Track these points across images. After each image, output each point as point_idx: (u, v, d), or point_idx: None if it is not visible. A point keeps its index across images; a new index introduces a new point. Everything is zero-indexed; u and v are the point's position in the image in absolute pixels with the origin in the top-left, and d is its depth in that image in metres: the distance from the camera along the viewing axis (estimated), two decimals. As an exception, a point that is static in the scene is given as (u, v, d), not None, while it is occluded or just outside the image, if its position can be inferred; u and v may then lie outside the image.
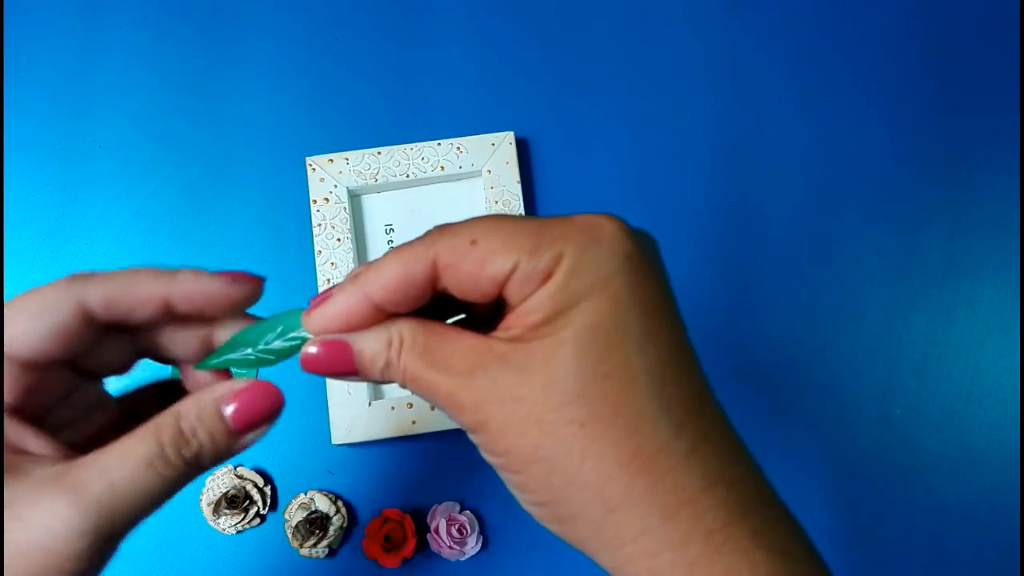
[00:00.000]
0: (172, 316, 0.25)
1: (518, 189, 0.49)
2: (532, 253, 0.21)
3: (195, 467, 0.24)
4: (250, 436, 0.24)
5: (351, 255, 0.48)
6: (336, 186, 0.49)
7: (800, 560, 0.22)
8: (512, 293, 0.22)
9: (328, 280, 0.48)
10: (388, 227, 0.50)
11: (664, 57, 0.53)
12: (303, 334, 0.24)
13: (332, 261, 0.48)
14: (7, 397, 0.22)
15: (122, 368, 0.26)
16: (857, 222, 0.51)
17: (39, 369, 0.23)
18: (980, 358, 0.50)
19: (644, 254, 0.22)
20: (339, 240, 0.48)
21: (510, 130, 0.50)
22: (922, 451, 0.49)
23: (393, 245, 0.50)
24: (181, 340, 0.25)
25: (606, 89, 0.53)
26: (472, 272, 0.22)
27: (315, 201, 0.49)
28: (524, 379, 0.21)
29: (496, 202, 0.49)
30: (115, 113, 0.52)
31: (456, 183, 0.51)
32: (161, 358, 0.26)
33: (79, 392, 0.25)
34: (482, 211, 0.50)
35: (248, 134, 0.51)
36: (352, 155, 0.49)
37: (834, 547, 0.48)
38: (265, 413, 0.24)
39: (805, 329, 0.50)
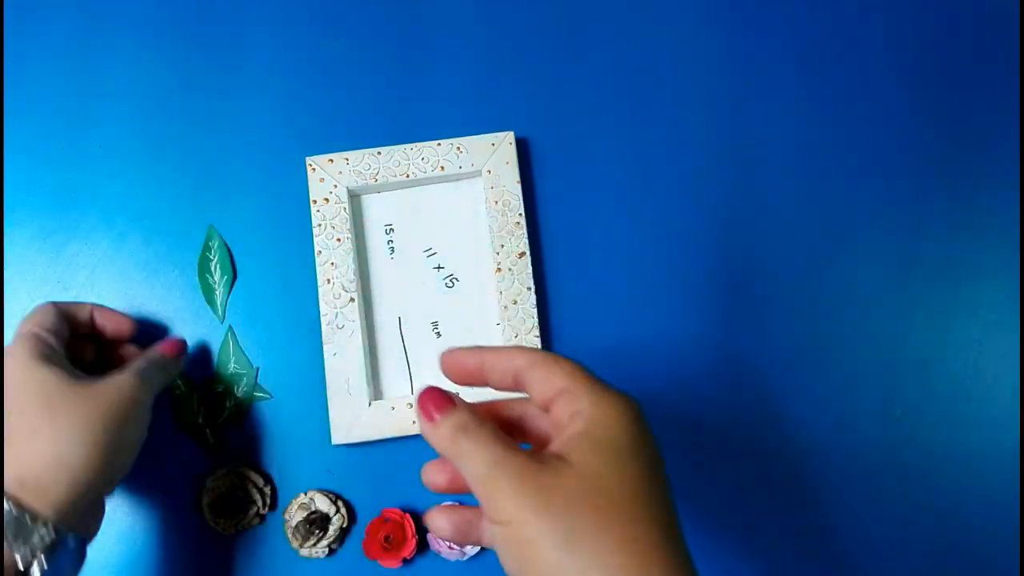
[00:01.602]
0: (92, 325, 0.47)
1: (518, 189, 0.49)
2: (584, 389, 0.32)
3: (160, 373, 0.45)
4: (179, 360, 0.47)
5: (351, 255, 0.48)
6: (336, 186, 0.49)
7: None
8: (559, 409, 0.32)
9: (328, 280, 0.48)
10: (388, 227, 0.50)
11: (664, 57, 0.53)
12: None
13: (332, 261, 0.48)
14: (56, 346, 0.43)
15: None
16: (857, 222, 0.51)
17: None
18: (980, 358, 0.50)
19: (646, 421, 0.32)
20: (339, 240, 0.48)
21: (510, 130, 0.50)
22: (922, 451, 0.49)
23: (393, 245, 0.50)
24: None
25: (606, 89, 0.53)
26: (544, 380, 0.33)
27: (315, 201, 0.49)
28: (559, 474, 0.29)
29: (496, 202, 0.49)
30: (115, 113, 0.52)
31: (456, 183, 0.51)
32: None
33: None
34: (482, 211, 0.50)
35: (248, 134, 0.51)
36: (352, 155, 0.49)
37: (834, 547, 0.48)
38: (177, 346, 0.47)
39: (805, 329, 0.50)
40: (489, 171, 0.49)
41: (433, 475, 0.35)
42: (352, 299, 0.48)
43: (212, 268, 0.50)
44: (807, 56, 0.53)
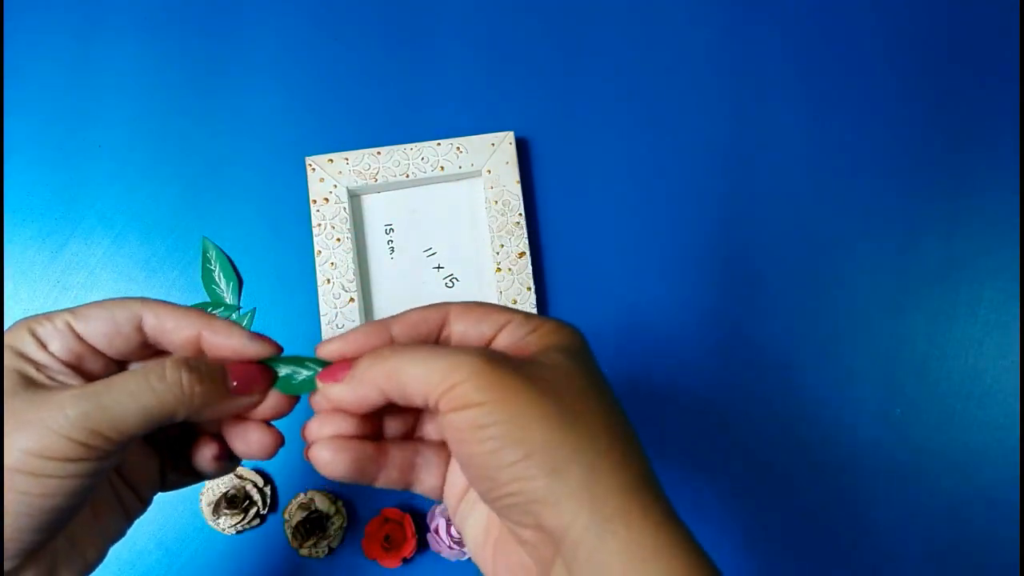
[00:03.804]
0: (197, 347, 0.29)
1: (518, 189, 0.49)
2: (524, 318, 0.28)
3: (189, 402, 0.27)
4: (239, 400, 0.29)
5: (351, 255, 0.48)
6: (336, 186, 0.49)
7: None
8: (505, 336, 0.28)
9: (328, 280, 0.48)
10: (388, 227, 0.50)
11: (664, 57, 0.53)
12: None
13: (332, 261, 0.48)
14: (61, 353, 0.27)
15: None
16: (857, 222, 0.51)
17: (91, 348, 0.28)
18: (980, 358, 0.50)
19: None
20: (339, 240, 0.48)
21: (510, 130, 0.50)
22: (922, 451, 0.49)
23: (393, 245, 0.50)
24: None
25: (606, 89, 0.53)
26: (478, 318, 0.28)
27: (315, 201, 0.49)
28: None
29: (496, 202, 0.49)
30: (115, 113, 0.52)
31: (456, 183, 0.51)
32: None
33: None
34: (482, 211, 0.50)
35: (248, 134, 0.51)
36: (352, 155, 0.49)
37: (834, 546, 0.48)
38: (255, 383, 0.29)
39: (805, 329, 0.50)
40: (489, 171, 0.49)
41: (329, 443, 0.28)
42: (352, 299, 0.48)
43: (216, 278, 0.49)
44: (807, 56, 0.53)
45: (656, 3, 0.54)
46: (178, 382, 0.26)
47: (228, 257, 0.50)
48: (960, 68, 0.53)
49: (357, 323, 0.47)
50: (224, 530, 0.47)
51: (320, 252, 0.48)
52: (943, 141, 0.52)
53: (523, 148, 0.52)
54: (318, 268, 0.48)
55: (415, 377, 0.25)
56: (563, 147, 0.52)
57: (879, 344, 0.50)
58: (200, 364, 0.27)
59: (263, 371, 0.28)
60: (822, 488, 0.48)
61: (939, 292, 0.50)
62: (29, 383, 0.26)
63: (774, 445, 0.49)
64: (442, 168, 0.49)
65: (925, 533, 0.48)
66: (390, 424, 0.30)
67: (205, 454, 0.30)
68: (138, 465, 0.30)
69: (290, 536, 0.46)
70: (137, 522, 0.32)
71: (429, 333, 0.28)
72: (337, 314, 0.47)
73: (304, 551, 0.46)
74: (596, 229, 0.51)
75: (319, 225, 0.48)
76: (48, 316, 0.28)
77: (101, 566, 0.33)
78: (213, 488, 0.47)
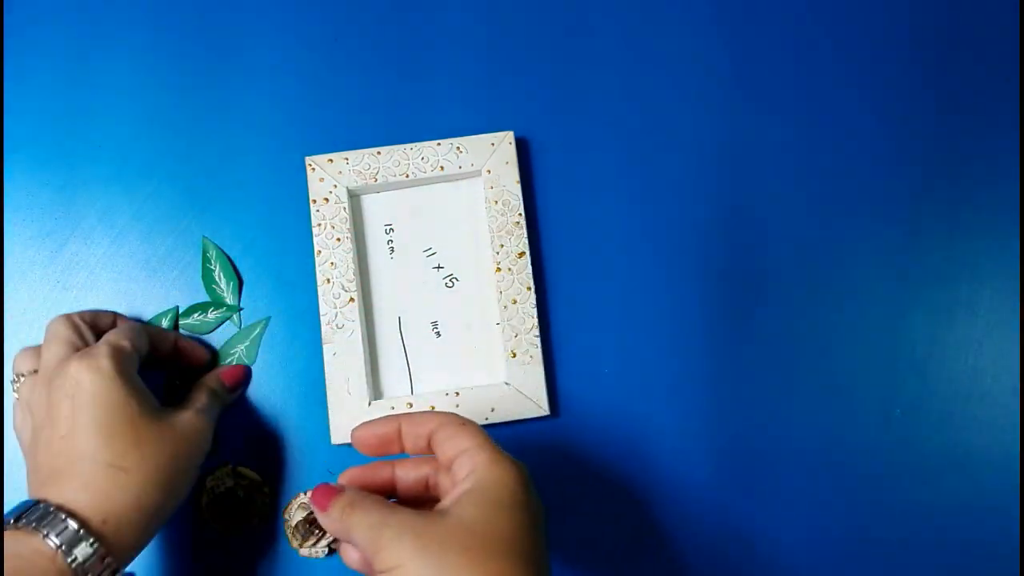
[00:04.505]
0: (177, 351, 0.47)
1: (518, 189, 0.49)
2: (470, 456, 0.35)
3: (219, 407, 0.45)
4: (237, 391, 0.48)
5: (351, 255, 0.48)
6: (336, 186, 0.49)
7: None
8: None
9: (328, 280, 0.48)
10: (388, 227, 0.50)
11: (664, 57, 0.53)
12: None
13: (332, 261, 0.48)
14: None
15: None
16: (857, 222, 0.51)
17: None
18: (980, 358, 0.50)
19: (533, 486, 0.35)
20: (339, 240, 0.48)
21: (510, 130, 0.50)
22: (922, 451, 0.49)
23: (393, 245, 0.50)
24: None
25: (606, 89, 0.53)
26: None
27: (315, 201, 0.49)
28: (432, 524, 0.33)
29: (496, 201, 0.49)
30: (115, 113, 0.52)
31: (456, 183, 0.51)
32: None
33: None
34: (482, 211, 0.50)
35: (248, 134, 0.51)
36: (352, 155, 0.49)
37: (834, 547, 0.48)
38: (240, 376, 0.48)
39: (805, 329, 0.50)
40: (489, 171, 0.49)
41: (347, 555, 0.38)
42: (352, 299, 0.48)
43: (216, 277, 0.49)
44: (807, 55, 0.53)
45: (657, 3, 0.54)
46: (217, 401, 0.45)
47: (228, 257, 0.50)
48: (960, 68, 0.53)
49: (357, 323, 0.47)
50: (224, 530, 0.47)
51: (320, 252, 0.48)
52: (943, 141, 0.52)
53: (523, 148, 0.52)
54: (318, 268, 0.48)
55: (359, 541, 0.33)
56: (563, 147, 0.52)
57: (879, 344, 0.50)
58: (222, 388, 0.46)
59: (238, 368, 0.48)
60: (821, 488, 0.48)
61: (939, 292, 0.50)
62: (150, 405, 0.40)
63: (772, 444, 0.49)
64: (442, 168, 0.49)
65: (925, 533, 0.48)
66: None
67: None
68: None
69: (290, 536, 0.46)
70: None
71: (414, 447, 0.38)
72: (337, 314, 0.47)
73: (304, 551, 0.46)
74: (596, 229, 0.51)
75: (319, 225, 0.48)
76: (118, 345, 0.41)
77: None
78: (213, 488, 0.47)
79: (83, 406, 0.38)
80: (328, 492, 0.35)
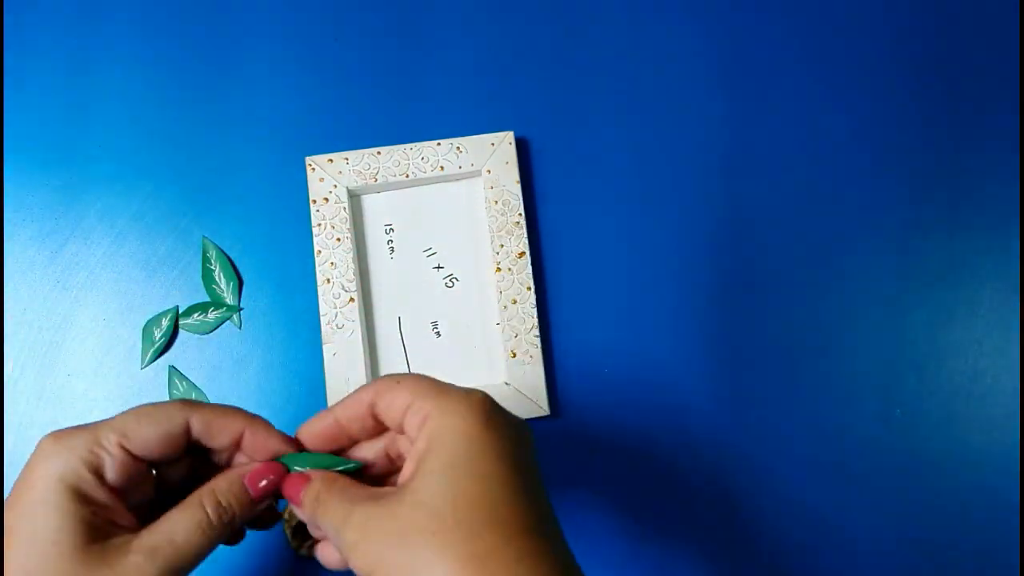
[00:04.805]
0: (237, 446, 0.34)
1: (518, 189, 0.49)
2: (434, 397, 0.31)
3: (229, 526, 0.32)
4: (265, 502, 0.34)
5: (351, 255, 0.48)
6: (336, 186, 0.49)
7: None
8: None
9: (328, 280, 0.48)
10: (388, 227, 0.50)
11: (665, 57, 0.53)
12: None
13: (332, 261, 0.48)
14: (117, 480, 0.30)
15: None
16: (857, 222, 0.51)
17: (142, 463, 0.31)
18: (980, 358, 0.50)
19: (498, 415, 0.30)
20: (339, 240, 0.48)
21: (510, 130, 0.50)
22: (922, 451, 0.49)
23: (393, 245, 0.50)
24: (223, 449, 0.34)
25: (606, 89, 0.53)
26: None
27: (315, 201, 0.49)
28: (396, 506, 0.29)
29: (496, 202, 0.49)
30: (115, 113, 0.52)
31: (456, 183, 0.51)
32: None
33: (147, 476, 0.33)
34: (482, 211, 0.50)
35: (248, 134, 0.51)
36: (352, 155, 0.49)
37: (833, 547, 0.48)
38: (273, 486, 0.33)
39: (805, 329, 0.50)
40: (489, 171, 0.49)
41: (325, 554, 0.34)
42: (352, 299, 0.48)
43: (216, 277, 0.49)
44: (807, 56, 0.53)
45: (657, 3, 0.54)
46: (220, 521, 0.31)
47: (228, 257, 0.50)
48: (960, 68, 0.53)
49: (357, 323, 0.47)
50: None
51: (320, 252, 0.48)
52: (943, 141, 0.52)
53: (523, 148, 0.52)
54: (318, 268, 0.48)
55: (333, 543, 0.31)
56: (563, 147, 0.52)
57: (879, 344, 0.50)
58: (230, 497, 0.32)
59: (277, 468, 0.33)
60: (821, 487, 0.48)
61: (939, 292, 0.50)
62: (92, 535, 0.29)
63: (772, 444, 0.49)
64: (442, 168, 0.49)
65: (925, 533, 0.48)
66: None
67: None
68: None
69: (290, 536, 0.46)
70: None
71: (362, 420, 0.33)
72: (337, 314, 0.47)
73: (304, 551, 0.46)
74: (596, 228, 0.51)
75: (319, 225, 0.48)
76: (94, 436, 0.30)
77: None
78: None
79: (6, 534, 0.29)
80: (300, 479, 0.32)
